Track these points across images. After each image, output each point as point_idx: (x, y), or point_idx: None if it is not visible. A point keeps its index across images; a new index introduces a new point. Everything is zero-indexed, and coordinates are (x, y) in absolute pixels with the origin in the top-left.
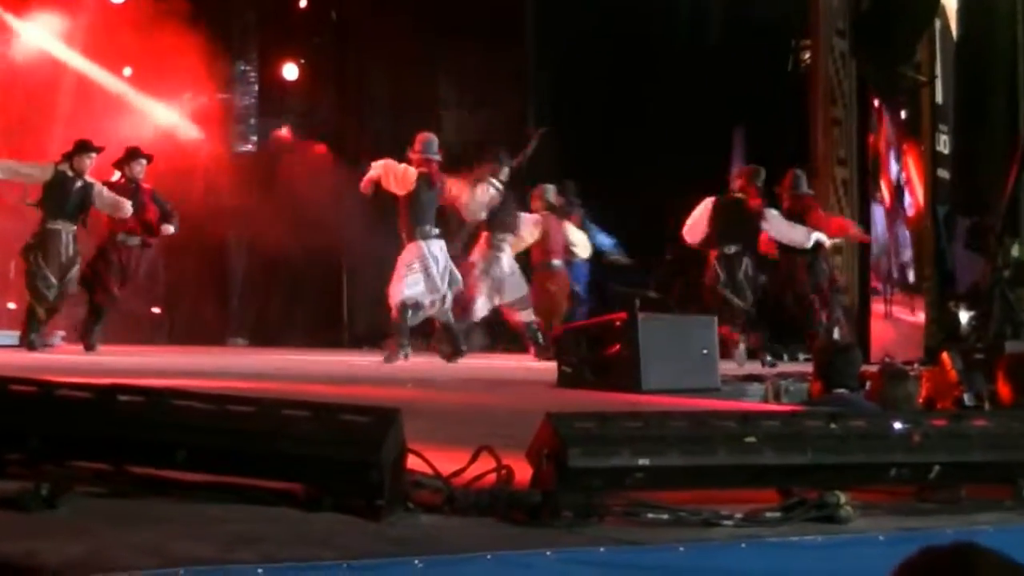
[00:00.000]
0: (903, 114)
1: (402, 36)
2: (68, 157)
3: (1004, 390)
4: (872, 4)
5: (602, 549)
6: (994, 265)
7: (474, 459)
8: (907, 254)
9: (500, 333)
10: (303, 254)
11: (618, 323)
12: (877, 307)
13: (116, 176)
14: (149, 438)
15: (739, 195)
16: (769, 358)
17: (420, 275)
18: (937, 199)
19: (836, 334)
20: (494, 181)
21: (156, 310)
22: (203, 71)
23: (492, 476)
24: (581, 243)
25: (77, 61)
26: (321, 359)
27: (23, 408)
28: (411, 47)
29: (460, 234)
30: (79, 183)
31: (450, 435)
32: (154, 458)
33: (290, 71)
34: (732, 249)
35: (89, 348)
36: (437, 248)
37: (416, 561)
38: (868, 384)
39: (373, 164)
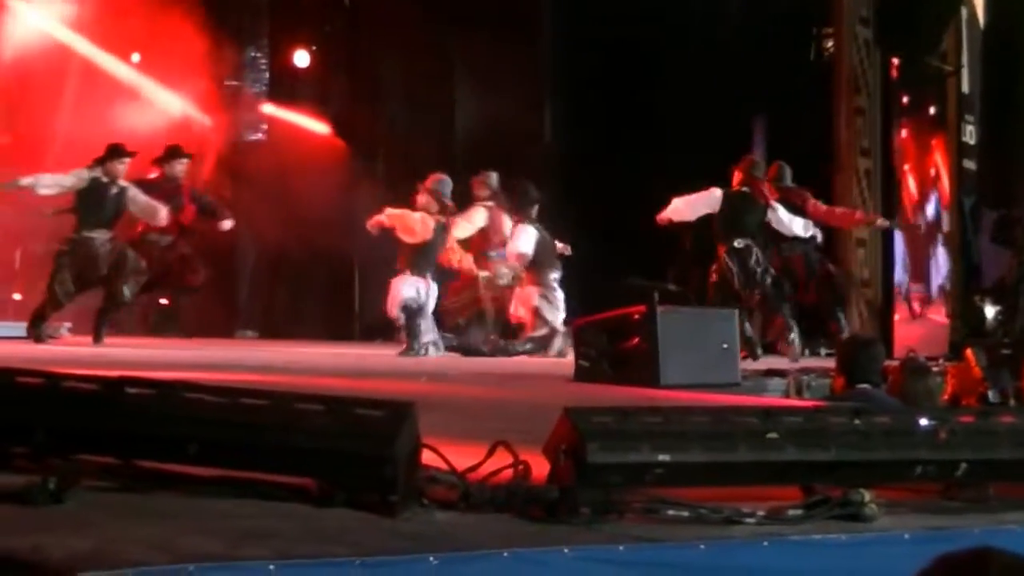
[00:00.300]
0: (932, 109)
1: (415, 22)
2: (101, 162)
3: None
4: None
5: (621, 547)
6: (1020, 258)
7: (490, 454)
8: (936, 251)
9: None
10: (313, 244)
11: (636, 316)
12: (901, 302)
13: (153, 175)
14: (158, 431)
15: (744, 188)
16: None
17: (415, 290)
18: (963, 191)
19: (843, 322)
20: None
21: (164, 301)
22: (212, 57)
23: (508, 472)
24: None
25: (83, 46)
26: (332, 352)
27: (29, 400)
28: (425, 34)
29: None
30: (114, 189)
31: (465, 429)
32: (163, 452)
33: (301, 58)
34: (741, 243)
35: (97, 339)
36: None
37: (431, 558)
38: (889, 379)
39: (388, 212)
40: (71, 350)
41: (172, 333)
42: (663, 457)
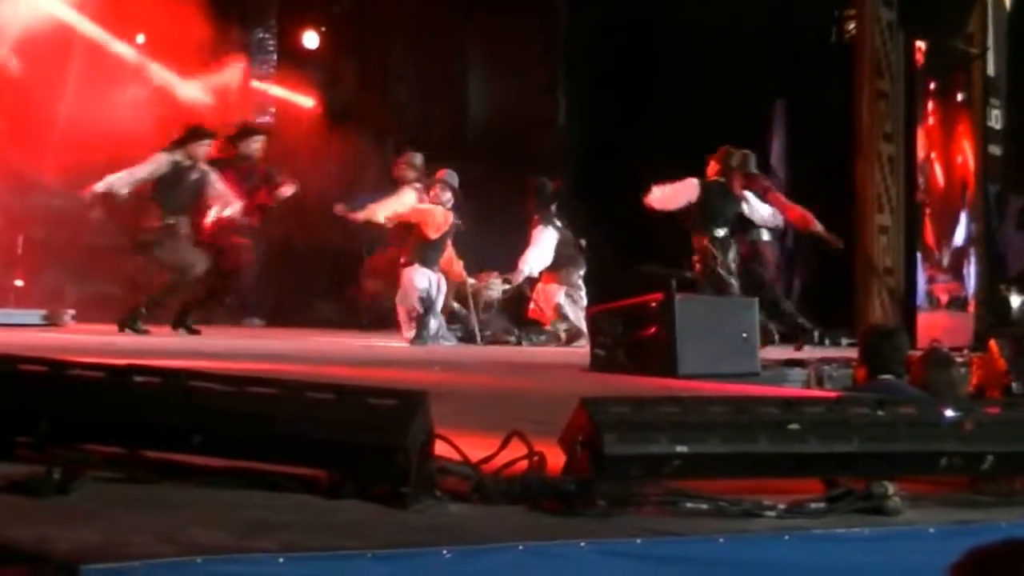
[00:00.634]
0: (960, 96)
1: (427, 2)
2: (180, 144)
3: None
4: None
5: (639, 540)
6: None
7: (504, 445)
8: (959, 237)
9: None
10: (321, 230)
11: (654, 304)
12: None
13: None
14: (165, 421)
15: (721, 179)
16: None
17: (428, 280)
18: (988, 177)
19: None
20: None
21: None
22: (219, 38)
23: (523, 463)
24: None
25: (85, 27)
26: (342, 340)
27: (33, 389)
28: (436, 14)
29: None
30: (195, 173)
31: (479, 420)
32: (170, 442)
33: (310, 39)
34: (723, 232)
35: (184, 329)
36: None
37: (444, 551)
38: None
39: (414, 207)
40: (75, 338)
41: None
42: (681, 448)
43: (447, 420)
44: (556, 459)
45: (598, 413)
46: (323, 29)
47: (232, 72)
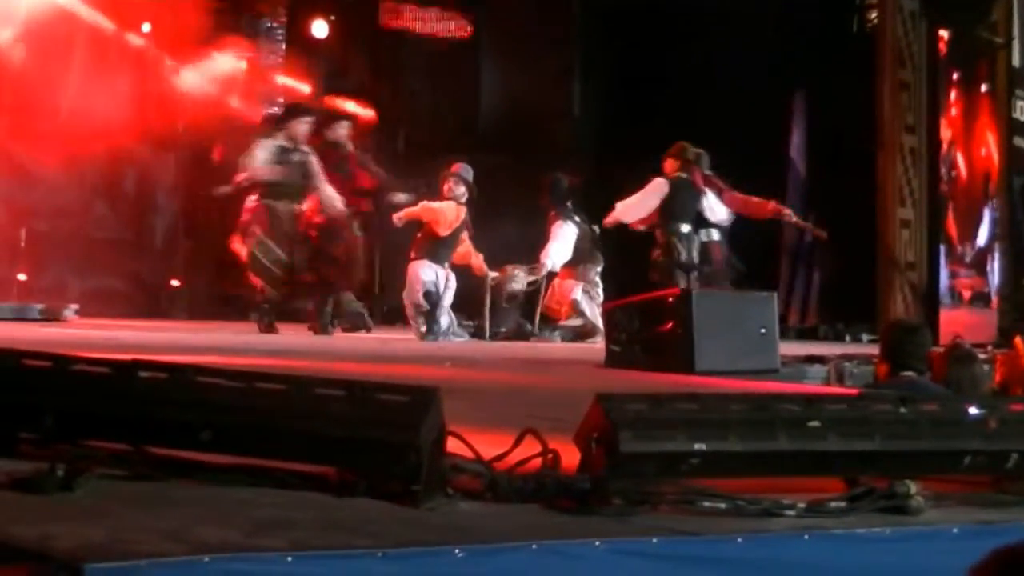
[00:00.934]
0: (984, 87)
1: None
2: (279, 124)
3: None
4: None
5: (655, 540)
6: None
7: (518, 442)
8: (983, 231)
9: None
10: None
11: (671, 299)
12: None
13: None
14: (172, 417)
15: (683, 175)
16: None
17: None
18: (1013, 170)
19: None
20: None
21: (175, 282)
22: (226, 27)
23: (537, 461)
24: None
25: (90, 14)
26: (352, 335)
27: (37, 384)
28: (448, 2)
29: None
30: (297, 155)
31: (492, 416)
32: (177, 438)
33: (319, 28)
34: (687, 229)
35: (321, 331)
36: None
37: (456, 550)
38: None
39: (423, 205)
40: (80, 332)
41: (182, 316)
42: (699, 446)
43: (459, 417)
44: (571, 457)
45: (614, 410)
46: (332, 18)
47: (238, 62)
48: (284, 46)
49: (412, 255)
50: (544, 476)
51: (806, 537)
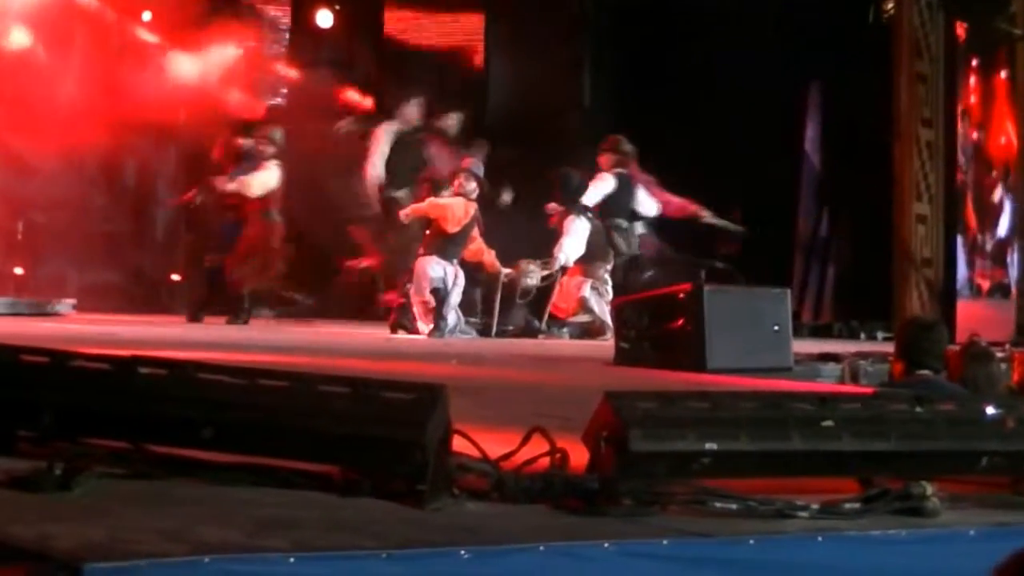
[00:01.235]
0: (1003, 73)
1: None
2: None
3: None
4: None
5: (665, 541)
6: None
7: (525, 441)
8: (1004, 222)
9: None
10: (335, 217)
11: (681, 295)
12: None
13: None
14: (172, 414)
15: (622, 169)
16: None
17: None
18: None
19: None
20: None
21: (176, 277)
22: (229, 16)
23: (545, 460)
24: None
25: (91, 3)
26: (356, 332)
27: (35, 380)
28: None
29: None
30: (413, 139)
31: (499, 415)
32: (177, 436)
33: (324, 17)
34: (626, 223)
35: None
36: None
37: (462, 551)
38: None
39: (431, 201)
40: (77, 328)
41: (182, 311)
42: (710, 446)
43: (466, 415)
44: (579, 456)
45: (623, 408)
46: (337, 7)
47: (241, 51)
48: (288, 36)
49: (421, 251)
50: (552, 476)
51: (820, 539)
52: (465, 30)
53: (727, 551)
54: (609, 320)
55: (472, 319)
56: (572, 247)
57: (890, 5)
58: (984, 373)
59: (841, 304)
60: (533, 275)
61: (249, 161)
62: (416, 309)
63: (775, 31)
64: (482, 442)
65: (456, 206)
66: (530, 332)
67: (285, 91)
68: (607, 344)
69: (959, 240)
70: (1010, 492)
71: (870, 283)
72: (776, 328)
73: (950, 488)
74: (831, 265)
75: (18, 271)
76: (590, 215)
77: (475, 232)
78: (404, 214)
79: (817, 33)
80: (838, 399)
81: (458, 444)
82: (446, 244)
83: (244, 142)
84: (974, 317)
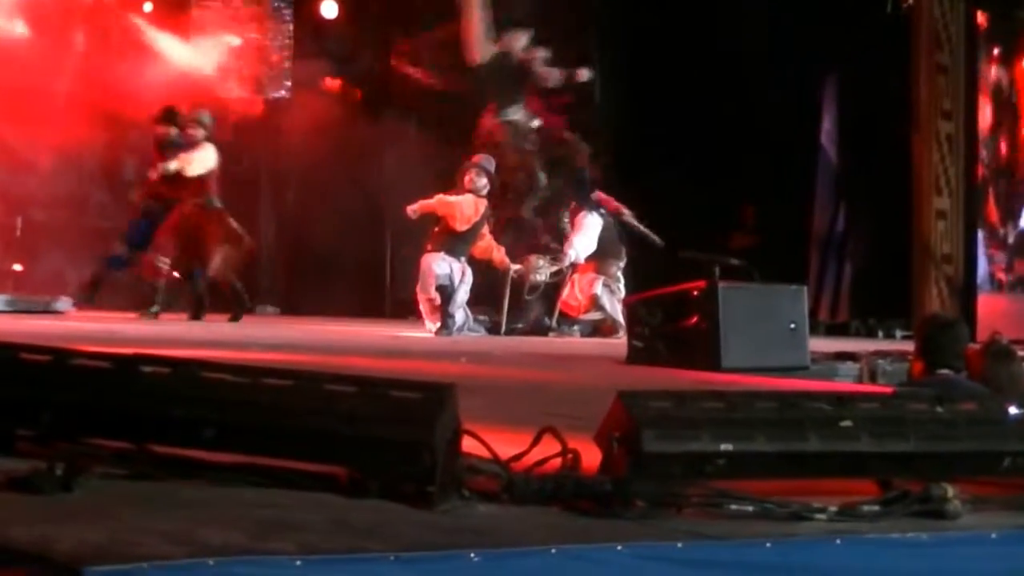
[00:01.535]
0: None
1: None
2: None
3: None
4: None
5: (679, 544)
6: None
7: (536, 442)
8: None
9: None
10: (340, 212)
11: (696, 292)
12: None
13: None
14: (175, 414)
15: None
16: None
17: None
18: None
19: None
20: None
21: (175, 274)
22: (232, 7)
23: (556, 461)
24: None
25: None
26: (362, 329)
27: (35, 379)
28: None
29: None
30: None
31: (509, 415)
32: (180, 436)
33: (329, 8)
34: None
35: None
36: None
37: (471, 554)
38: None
39: (439, 198)
40: (77, 325)
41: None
42: (726, 446)
43: (476, 415)
44: (591, 457)
45: (637, 408)
46: None
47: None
48: (292, 27)
49: (428, 247)
50: (564, 477)
51: (838, 542)
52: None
53: (743, 554)
54: (621, 318)
55: (481, 317)
56: (583, 244)
57: None
58: (1006, 372)
59: (858, 301)
60: (542, 271)
61: (179, 148)
62: (422, 307)
63: (791, 22)
64: (492, 442)
65: (466, 204)
66: (540, 330)
67: (289, 84)
68: (619, 342)
69: (979, 234)
70: None
71: (888, 280)
72: (792, 326)
73: (972, 490)
74: (848, 261)
75: (17, 268)
76: (603, 212)
77: (485, 230)
78: (411, 210)
79: (834, 24)
80: (856, 399)
81: (467, 445)
82: (454, 241)
83: (170, 130)
84: (995, 311)
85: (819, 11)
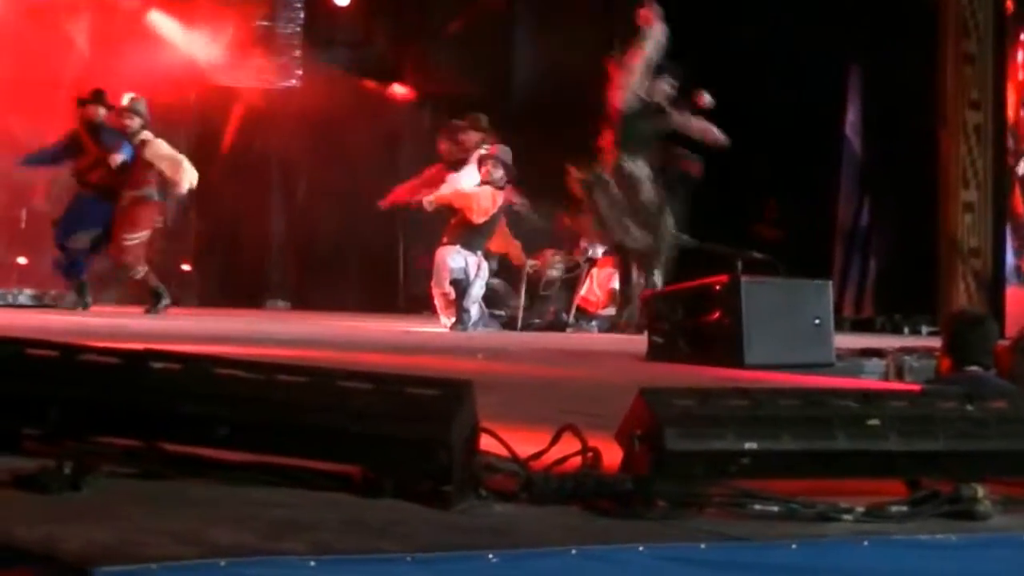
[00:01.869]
0: None
1: None
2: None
3: None
4: None
5: (702, 545)
6: None
7: (556, 440)
8: None
9: None
10: (352, 203)
11: (718, 287)
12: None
13: None
14: (185, 411)
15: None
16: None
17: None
18: None
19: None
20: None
21: (185, 267)
22: None
23: (576, 459)
24: None
25: None
26: (375, 325)
27: (43, 375)
28: None
29: None
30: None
31: (528, 412)
32: (191, 434)
33: None
34: None
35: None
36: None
37: (489, 555)
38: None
39: (456, 191)
40: (84, 320)
41: (193, 303)
42: (750, 445)
43: (493, 412)
44: (612, 455)
45: (659, 405)
46: None
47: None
48: (303, 14)
49: (444, 239)
50: (584, 476)
51: (865, 543)
52: (489, 9)
53: (767, 555)
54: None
55: (497, 312)
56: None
57: None
58: None
59: (883, 297)
60: (558, 266)
61: (111, 135)
62: (437, 302)
63: (815, 11)
64: (510, 440)
65: (483, 196)
66: (557, 326)
67: (299, 72)
68: (639, 339)
69: (1007, 227)
70: None
71: (914, 274)
72: (817, 322)
73: (1002, 490)
74: (873, 256)
75: (22, 261)
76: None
77: (502, 222)
78: (428, 201)
79: (858, 13)
80: (884, 396)
81: (485, 443)
82: (471, 234)
83: (99, 111)
84: (1023, 302)
85: (843, 1)
